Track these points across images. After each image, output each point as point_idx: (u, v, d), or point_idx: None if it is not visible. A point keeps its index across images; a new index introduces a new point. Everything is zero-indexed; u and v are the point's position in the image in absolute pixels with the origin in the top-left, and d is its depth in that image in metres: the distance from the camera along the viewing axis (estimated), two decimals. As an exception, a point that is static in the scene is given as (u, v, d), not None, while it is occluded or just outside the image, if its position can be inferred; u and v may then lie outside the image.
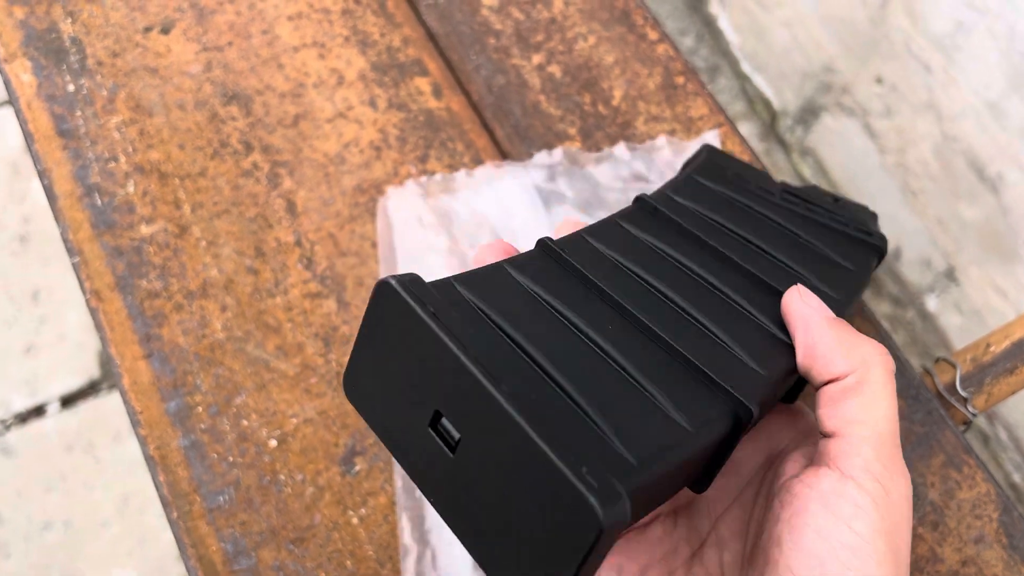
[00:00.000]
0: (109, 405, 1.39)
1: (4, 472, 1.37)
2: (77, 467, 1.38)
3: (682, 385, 0.30)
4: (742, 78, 1.52)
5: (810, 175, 1.46)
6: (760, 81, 1.49)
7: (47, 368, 1.43)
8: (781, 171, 1.47)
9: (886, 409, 0.31)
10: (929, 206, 1.25)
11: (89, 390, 1.42)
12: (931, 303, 1.33)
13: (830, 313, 0.33)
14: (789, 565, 0.29)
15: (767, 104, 1.49)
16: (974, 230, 1.20)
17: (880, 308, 1.41)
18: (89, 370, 1.40)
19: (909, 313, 1.38)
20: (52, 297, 1.46)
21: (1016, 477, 1.29)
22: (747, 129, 1.52)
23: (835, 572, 0.28)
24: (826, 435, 0.31)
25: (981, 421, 1.31)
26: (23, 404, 1.41)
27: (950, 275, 1.28)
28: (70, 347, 1.43)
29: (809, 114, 1.41)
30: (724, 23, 1.54)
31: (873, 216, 0.44)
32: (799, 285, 0.34)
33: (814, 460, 0.31)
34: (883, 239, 0.41)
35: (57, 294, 1.44)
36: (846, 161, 1.37)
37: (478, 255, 0.35)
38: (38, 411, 1.41)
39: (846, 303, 0.36)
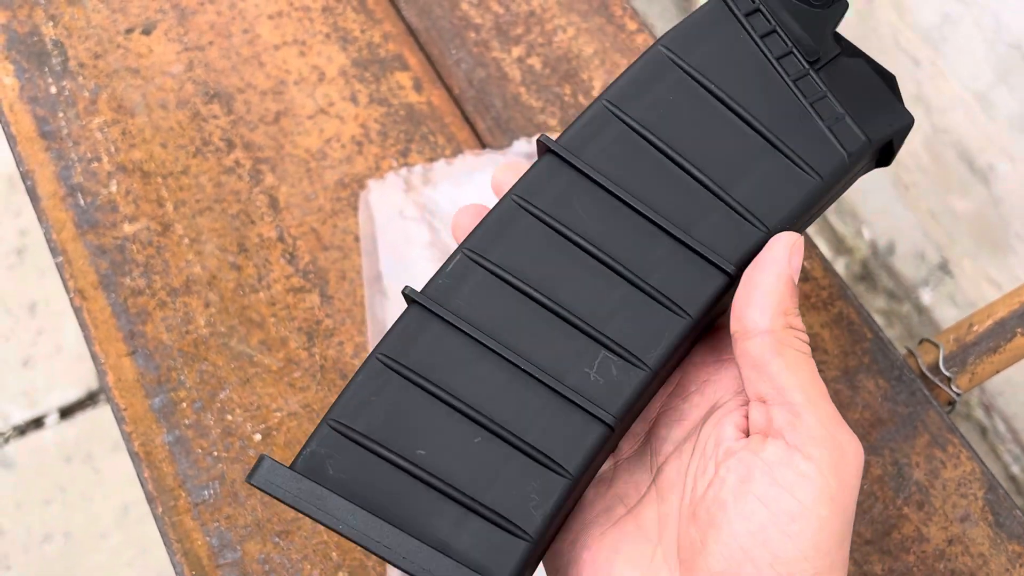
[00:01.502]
0: (107, 416, 1.39)
1: (3, 484, 1.37)
2: (76, 478, 1.38)
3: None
4: (733, 77, 1.52)
5: (803, 171, 1.46)
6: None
7: (45, 380, 1.43)
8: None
9: (811, 371, 0.32)
10: (921, 199, 1.25)
11: (87, 401, 1.42)
12: (926, 296, 1.33)
13: (795, 277, 0.33)
14: (732, 529, 0.30)
15: (758, 102, 1.49)
16: (966, 222, 1.20)
17: (875, 302, 1.41)
18: (87, 381, 1.40)
19: (904, 307, 1.38)
20: (49, 309, 1.46)
21: (1015, 468, 1.29)
22: (739, 127, 1.53)
23: (775, 538, 0.29)
24: (760, 399, 0.32)
25: (979, 413, 1.31)
26: (22, 416, 1.41)
27: (944, 268, 1.28)
28: (67, 359, 1.43)
29: (800, 110, 1.41)
30: (714, 22, 1.55)
31: (888, 91, 0.38)
32: (791, 235, 0.34)
33: (760, 428, 0.32)
34: (864, 139, 0.36)
35: (54, 306, 1.44)
36: (838, 156, 1.37)
37: (457, 220, 0.36)
38: (37, 423, 1.41)
39: (774, 230, 0.35)
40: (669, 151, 0.35)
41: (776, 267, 0.33)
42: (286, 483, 0.31)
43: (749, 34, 0.36)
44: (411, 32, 0.57)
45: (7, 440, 1.40)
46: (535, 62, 0.56)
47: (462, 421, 0.33)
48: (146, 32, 0.57)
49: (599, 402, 0.33)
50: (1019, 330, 0.48)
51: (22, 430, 1.40)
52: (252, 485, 0.32)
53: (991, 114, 1.10)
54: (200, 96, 0.55)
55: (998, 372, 0.48)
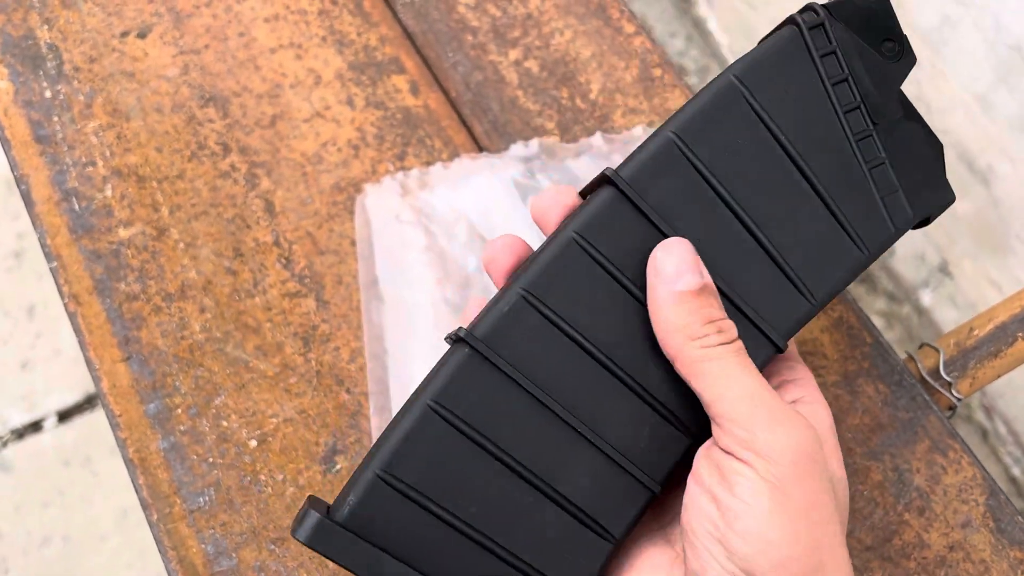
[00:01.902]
0: (105, 419, 1.38)
1: (2, 488, 1.36)
2: (75, 481, 1.37)
3: None
4: (732, 78, 1.52)
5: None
6: (750, 80, 1.49)
7: (43, 383, 1.43)
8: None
9: (727, 372, 0.31)
10: (921, 200, 1.25)
11: (85, 404, 1.42)
12: (926, 298, 1.32)
13: (677, 285, 0.32)
14: (702, 545, 0.31)
15: (758, 103, 1.49)
16: (966, 223, 1.20)
17: (875, 304, 1.40)
18: (85, 384, 1.39)
19: (904, 308, 1.37)
20: (47, 312, 1.46)
21: (1015, 471, 1.29)
22: (739, 129, 1.52)
23: (731, 540, 0.30)
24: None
25: (980, 415, 1.30)
26: (20, 420, 1.41)
27: (944, 269, 1.28)
28: (66, 362, 1.42)
29: (800, 112, 1.41)
30: (713, 24, 1.54)
31: (936, 162, 0.37)
32: (662, 244, 0.33)
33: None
34: (912, 218, 0.35)
35: (52, 309, 1.44)
36: (838, 158, 1.37)
37: (491, 254, 0.35)
38: (35, 426, 1.41)
39: (820, 303, 0.34)
40: (731, 201, 0.33)
41: (653, 292, 0.32)
42: (338, 542, 0.30)
43: (821, 79, 0.34)
44: (408, 35, 0.57)
45: (5, 444, 1.39)
46: (532, 65, 0.56)
47: (513, 479, 0.32)
48: (141, 36, 0.57)
49: (645, 468, 0.33)
50: (1020, 334, 0.47)
51: (20, 433, 1.40)
52: (299, 541, 0.31)
53: (991, 115, 1.09)
54: (196, 100, 0.55)
55: (999, 376, 0.47)
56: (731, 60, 1.51)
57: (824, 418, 0.34)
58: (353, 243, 0.51)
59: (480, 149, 0.54)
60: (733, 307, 0.34)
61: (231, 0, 0.58)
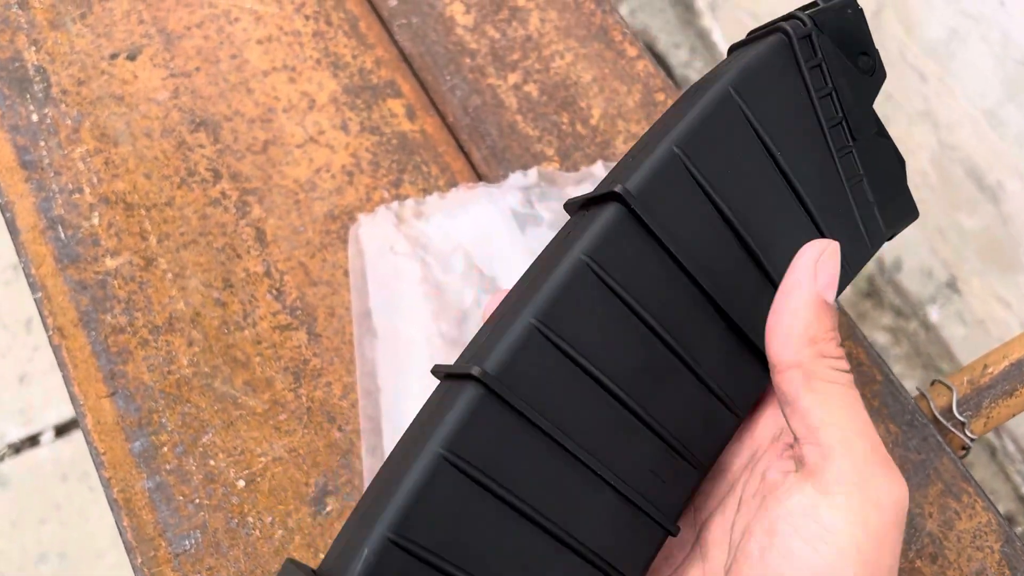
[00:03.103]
0: (103, 434, 1.37)
1: (-2, 503, 1.35)
2: (72, 497, 1.36)
3: None
4: (737, 90, 1.50)
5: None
6: (755, 93, 1.48)
7: (41, 397, 1.42)
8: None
9: (848, 403, 0.29)
10: (929, 216, 1.23)
11: (83, 419, 1.40)
12: (933, 314, 1.31)
13: (826, 295, 0.30)
14: None
15: (762, 116, 1.48)
16: (974, 240, 1.18)
17: (882, 320, 1.38)
18: (83, 398, 1.37)
19: (912, 324, 1.36)
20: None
21: (1025, 490, 1.27)
22: (743, 141, 1.51)
23: None
24: (798, 437, 0.29)
25: (988, 433, 1.29)
26: (17, 434, 1.39)
27: (952, 285, 1.26)
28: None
29: (805, 125, 1.40)
30: (717, 35, 1.53)
31: (902, 178, 0.37)
32: (822, 243, 0.31)
33: (793, 468, 0.29)
34: (884, 235, 0.35)
35: (49, 322, 1.42)
36: (844, 172, 1.36)
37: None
38: (32, 440, 1.39)
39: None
40: (732, 218, 0.32)
41: (800, 291, 0.30)
42: None
43: (808, 91, 0.33)
44: (404, 58, 0.56)
45: (2, 458, 1.38)
46: (532, 89, 0.54)
47: (530, 528, 0.29)
48: (131, 57, 0.55)
49: (661, 506, 0.31)
50: (1036, 372, 0.46)
51: (17, 448, 1.39)
52: None
53: (1000, 132, 1.07)
54: (186, 124, 0.53)
55: (1014, 415, 0.46)
56: (736, 73, 1.50)
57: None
58: (346, 273, 0.50)
59: (478, 175, 0.52)
60: (735, 336, 0.32)
61: (223, 21, 0.56)
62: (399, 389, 0.46)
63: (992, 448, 1.28)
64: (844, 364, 0.30)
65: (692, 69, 1.55)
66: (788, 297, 0.30)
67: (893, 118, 1.19)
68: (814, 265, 0.30)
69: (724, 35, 1.51)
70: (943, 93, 1.11)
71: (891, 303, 1.36)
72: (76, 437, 1.39)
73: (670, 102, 0.54)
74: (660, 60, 1.57)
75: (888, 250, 1.33)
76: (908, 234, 1.29)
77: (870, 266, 1.36)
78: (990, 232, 1.14)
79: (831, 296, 0.30)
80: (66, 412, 1.40)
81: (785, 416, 0.30)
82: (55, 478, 1.37)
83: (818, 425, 0.28)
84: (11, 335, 1.46)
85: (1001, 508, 1.29)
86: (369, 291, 0.48)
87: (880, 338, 1.37)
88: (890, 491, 0.27)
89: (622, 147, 0.52)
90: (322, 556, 0.44)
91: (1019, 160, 1.06)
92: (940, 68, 1.10)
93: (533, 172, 0.50)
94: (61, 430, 1.40)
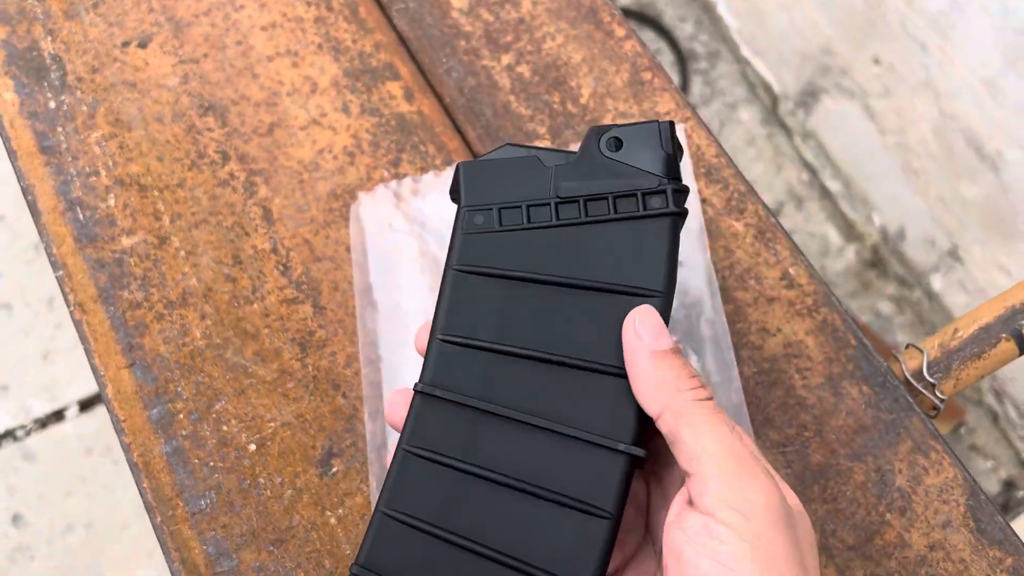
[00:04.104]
0: (125, 408, 1.40)
1: (26, 476, 1.39)
2: (96, 470, 1.40)
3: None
4: (742, 63, 1.51)
5: (812, 158, 1.45)
6: (760, 65, 1.49)
7: (65, 373, 1.46)
8: (785, 156, 1.47)
9: (713, 429, 0.33)
10: (931, 185, 1.25)
11: (106, 394, 1.43)
12: (937, 283, 1.32)
13: (657, 346, 0.35)
14: None
15: (768, 88, 1.48)
16: (975, 209, 1.19)
17: (886, 289, 1.40)
18: (105, 374, 1.41)
19: (915, 293, 1.37)
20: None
21: (1026, 455, 1.29)
22: (749, 114, 1.51)
23: None
24: (687, 473, 0.33)
25: (990, 399, 1.30)
26: (43, 409, 1.44)
27: (954, 254, 1.27)
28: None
29: (809, 97, 1.41)
30: (723, 8, 1.54)
31: (659, 141, 0.39)
32: (635, 311, 0.36)
33: (687, 500, 0.33)
34: (675, 191, 0.38)
35: (71, 300, 1.45)
36: (847, 143, 1.37)
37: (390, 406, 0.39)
38: (57, 415, 1.43)
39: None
40: (538, 355, 0.37)
41: (636, 356, 0.35)
42: None
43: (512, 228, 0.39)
44: (402, 41, 0.58)
45: (29, 433, 1.42)
46: (524, 70, 0.57)
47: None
48: (142, 45, 0.58)
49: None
50: (1003, 335, 0.48)
51: (43, 423, 1.43)
52: None
53: (999, 101, 1.09)
54: (195, 109, 0.56)
55: (982, 377, 0.48)
56: (741, 45, 1.50)
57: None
58: (349, 249, 0.52)
59: (474, 154, 0.55)
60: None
61: (229, 8, 0.59)
62: (399, 358, 0.49)
63: (994, 414, 1.30)
64: (703, 391, 0.34)
65: (697, 42, 1.56)
66: (631, 365, 0.35)
67: (895, 89, 1.20)
68: (634, 332, 0.35)
69: (729, 8, 1.52)
70: (944, 63, 1.12)
71: (895, 273, 1.37)
72: (99, 412, 1.43)
73: (657, 81, 0.56)
74: (666, 34, 1.58)
75: (892, 220, 1.35)
76: (911, 204, 1.31)
77: (874, 236, 1.37)
78: (991, 201, 1.16)
79: (663, 344, 0.35)
80: (89, 388, 1.44)
81: (676, 456, 0.34)
82: (80, 452, 1.41)
83: (693, 456, 0.32)
84: (34, 314, 1.50)
85: (1003, 473, 1.31)
86: (370, 266, 0.51)
87: (885, 307, 1.39)
88: (761, 497, 0.31)
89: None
90: (329, 514, 0.47)
91: (1018, 129, 1.07)
92: (941, 38, 1.11)
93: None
94: (85, 405, 1.44)
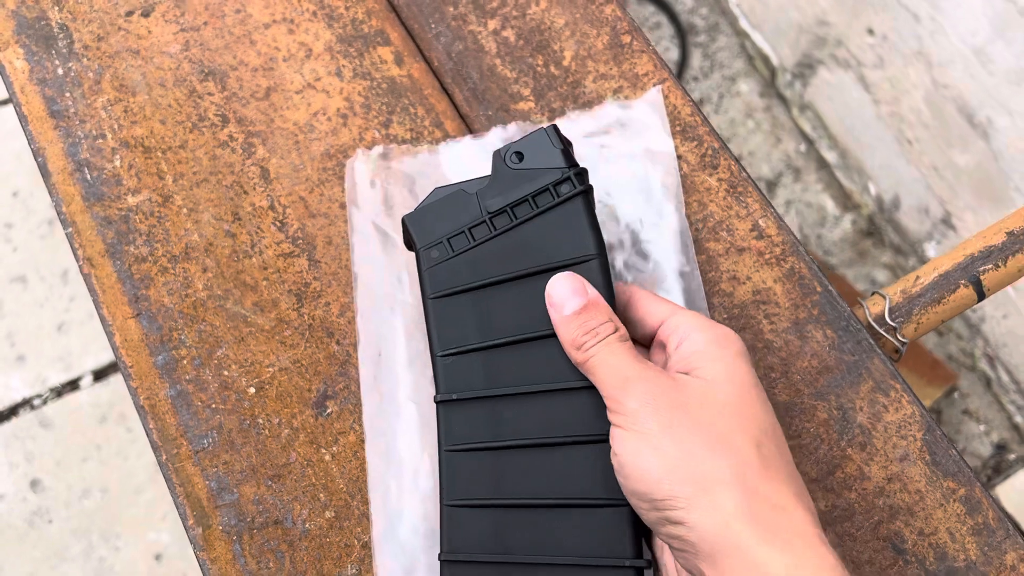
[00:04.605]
0: (137, 377, 1.44)
1: (44, 444, 1.43)
2: (111, 437, 1.44)
3: None
4: (741, 35, 1.53)
5: (810, 129, 1.47)
6: (758, 38, 1.50)
7: (79, 344, 1.49)
8: (783, 127, 1.48)
9: (611, 364, 0.41)
10: (924, 154, 1.26)
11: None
12: (931, 251, 1.34)
13: (568, 308, 0.42)
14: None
15: (766, 60, 1.50)
16: (967, 176, 1.21)
17: (882, 258, 1.42)
18: (118, 345, 1.44)
19: (911, 261, 1.39)
20: (80, 276, 1.51)
21: (1018, 418, 1.31)
22: (748, 86, 1.53)
23: (632, 480, 0.40)
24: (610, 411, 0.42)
25: (983, 364, 1.32)
26: (58, 379, 1.47)
27: (947, 222, 1.29)
28: (99, 323, 1.48)
29: (806, 68, 1.42)
30: (722, -19, 1.55)
31: (550, 142, 0.46)
32: (548, 286, 0.43)
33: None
34: (576, 175, 0.45)
35: (84, 273, 1.49)
36: (843, 114, 1.38)
37: None
38: (72, 385, 1.47)
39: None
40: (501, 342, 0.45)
41: (553, 323, 0.43)
42: None
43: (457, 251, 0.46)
44: (393, 8, 0.61)
45: (46, 402, 1.46)
46: (509, 34, 0.59)
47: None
48: (145, 14, 0.61)
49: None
50: (962, 282, 0.50)
51: (59, 392, 1.47)
52: None
53: (989, 68, 1.10)
54: (196, 74, 0.59)
55: (942, 322, 0.50)
56: (740, 17, 1.51)
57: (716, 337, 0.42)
58: (342, 206, 0.55)
59: (461, 116, 0.57)
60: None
61: (228, -22, 0.61)
62: (391, 307, 0.52)
63: (987, 379, 1.32)
64: (593, 339, 0.41)
65: (697, 15, 1.58)
66: (557, 331, 0.43)
67: (889, 59, 1.22)
68: (549, 303, 0.43)
69: (729, -20, 1.54)
70: (936, 32, 1.14)
71: (891, 241, 1.39)
72: (113, 381, 1.47)
73: (636, 44, 0.58)
74: (666, 7, 1.60)
75: (887, 189, 1.37)
76: (905, 173, 1.33)
77: (870, 206, 1.39)
78: (982, 168, 1.18)
79: (573, 305, 0.42)
80: (103, 358, 1.48)
81: (601, 393, 0.42)
82: (95, 420, 1.45)
83: (604, 386, 0.41)
84: (48, 287, 1.53)
85: (995, 436, 1.33)
86: (364, 219, 0.53)
87: (880, 275, 1.41)
88: (641, 395, 0.39)
89: (591, 86, 0.57)
90: (324, 451, 0.50)
91: (1007, 96, 1.09)
92: (932, 7, 1.13)
93: (512, 126, 0.55)
94: (99, 375, 1.48)
